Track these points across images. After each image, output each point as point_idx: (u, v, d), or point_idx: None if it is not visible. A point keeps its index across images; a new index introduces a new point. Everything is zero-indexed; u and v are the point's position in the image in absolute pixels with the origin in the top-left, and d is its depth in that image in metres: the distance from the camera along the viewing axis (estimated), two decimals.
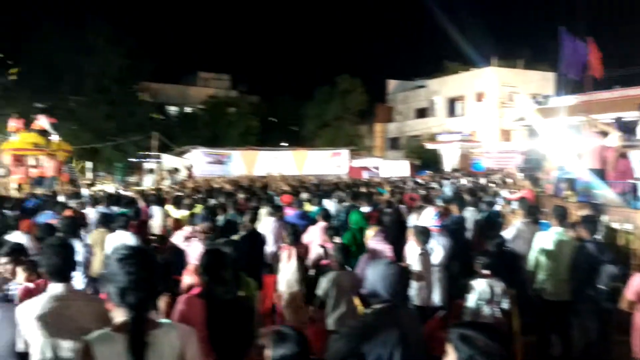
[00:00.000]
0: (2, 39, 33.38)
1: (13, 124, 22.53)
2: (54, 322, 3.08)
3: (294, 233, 6.46)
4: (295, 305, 5.86)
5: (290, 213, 9.15)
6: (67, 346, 3.08)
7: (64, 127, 27.84)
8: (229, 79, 48.23)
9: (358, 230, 7.57)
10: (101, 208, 9.35)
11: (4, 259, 4.10)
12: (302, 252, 6.70)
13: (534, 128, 28.22)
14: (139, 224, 8.11)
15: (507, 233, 7.11)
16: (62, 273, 3.20)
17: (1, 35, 33.33)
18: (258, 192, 13.28)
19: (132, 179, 29.94)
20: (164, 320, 2.49)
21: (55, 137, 22.62)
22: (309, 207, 9.95)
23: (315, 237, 7.65)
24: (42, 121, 22.52)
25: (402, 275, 3.34)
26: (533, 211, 7.53)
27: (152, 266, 2.43)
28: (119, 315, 2.34)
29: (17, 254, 4.14)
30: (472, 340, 2.17)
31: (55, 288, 3.17)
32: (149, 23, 71.12)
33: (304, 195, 11.01)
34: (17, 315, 3.15)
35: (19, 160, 21.92)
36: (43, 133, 21.94)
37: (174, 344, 2.40)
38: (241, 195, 11.72)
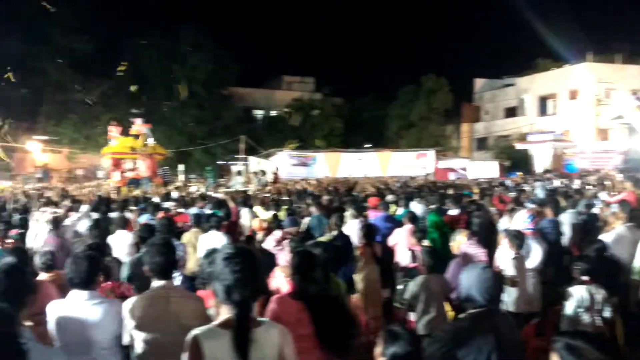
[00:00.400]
0: (102, 49, 35.70)
1: (112, 129, 24.03)
2: (156, 318, 3.24)
3: (369, 233, 6.46)
4: (373, 305, 5.87)
5: (374, 215, 9.12)
6: (167, 341, 3.23)
7: (158, 131, 29.28)
8: (313, 82, 48.77)
9: (438, 233, 7.44)
10: (194, 209, 9.76)
11: None
12: (379, 252, 6.69)
13: (634, 126, 26.56)
14: (229, 225, 8.36)
15: (607, 237, 6.71)
16: (164, 271, 3.36)
17: (101, 46, 35.67)
18: (342, 194, 13.34)
19: (221, 181, 30.97)
20: (263, 319, 2.56)
21: (150, 141, 23.84)
22: (395, 210, 9.87)
23: (401, 240, 7.58)
24: (139, 126, 23.81)
25: (498, 280, 3.25)
26: (636, 215, 7.06)
27: (256, 265, 2.50)
28: (224, 312, 2.43)
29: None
30: (580, 351, 2.06)
31: (158, 286, 3.33)
32: (235, 29, 73.35)
33: (390, 197, 10.93)
34: (123, 310, 3.35)
35: (117, 163, 23.35)
36: (139, 137, 23.19)
37: (275, 341, 2.47)
38: (326, 197, 11.81)
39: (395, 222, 8.52)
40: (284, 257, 5.63)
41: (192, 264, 6.97)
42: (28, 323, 3.11)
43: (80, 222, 8.03)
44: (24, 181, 24.02)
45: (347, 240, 6.75)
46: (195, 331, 2.39)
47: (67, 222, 7.96)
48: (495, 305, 3.20)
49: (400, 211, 9.54)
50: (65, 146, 35.87)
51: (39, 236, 7.37)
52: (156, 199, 12.00)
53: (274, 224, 7.99)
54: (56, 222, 7.61)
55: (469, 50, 71.75)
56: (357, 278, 5.95)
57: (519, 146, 35.17)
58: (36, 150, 34.10)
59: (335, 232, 6.84)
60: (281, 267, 5.07)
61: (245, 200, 11.32)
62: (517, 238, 5.85)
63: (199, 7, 65.40)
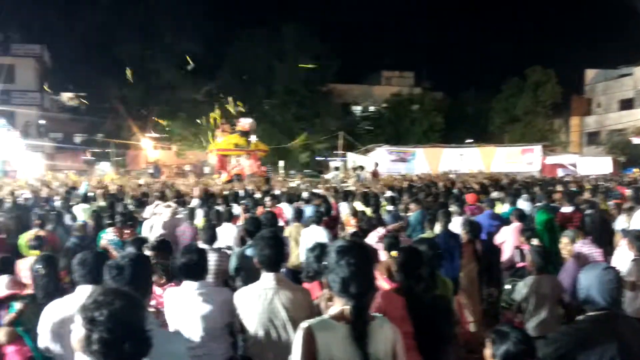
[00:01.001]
0: (208, 49, 37.41)
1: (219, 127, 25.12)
2: (265, 309, 3.33)
3: (472, 230, 6.27)
4: (473, 302, 5.73)
5: (476, 212, 8.86)
6: (275, 332, 3.33)
7: (259, 128, 30.21)
8: (412, 77, 48.19)
9: (547, 232, 7.07)
10: (295, 204, 9.96)
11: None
12: (480, 250, 6.49)
13: None
14: (330, 220, 8.46)
15: None
16: (273, 263, 3.45)
17: (207, 46, 37.39)
18: (443, 190, 13.06)
19: (320, 177, 31.45)
20: (376, 314, 2.56)
21: (253, 138, 24.64)
22: (501, 207, 9.53)
23: (509, 239, 7.30)
24: (243, 123, 24.67)
25: (619, 282, 3.04)
26: None
27: (369, 259, 2.51)
28: (338, 304, 2.44)
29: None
30: None
31: (267, 278, 3.43)
32: (335, 25, 73.95)
33: (495, 194, 10.55)
34: (235, 300, 3.48)
35: (222, 160, 24.38)
36: (243, 134, 24.02)
37: (389, 337, 2.46)
38: (425, 194, 11.62)
39: (501, 220, 8.23)
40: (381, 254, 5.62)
41: (293, 257, 7.13)
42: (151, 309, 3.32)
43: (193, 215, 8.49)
44: (137, 176, 25.64)
45: (455, 237, 6.60)
46: (308, 322, 2.41)
47: (179, 215, 8.41)
48: (617, 308, 2.99)
49: (506, 208, 9.20)
50: (175, 143, 37.99)
51: (154, 228, 7.84)
52: (258, 195, 12.35)
53: (364, 220, 8.03)
54: (192, 213, 8.13)
55: (579, 39, 67.47)
56: (461, 276, 5.81)
57: (635, 140, 32.72)
58: (148, 147, 36.37)
59: (438, 229, 6.71)
60: (383, 263, 5.06)
61: (346, 195, 11.39)
62: (639, 239, 5.43)
63: (301, 4, 66.52)
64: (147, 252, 4.48)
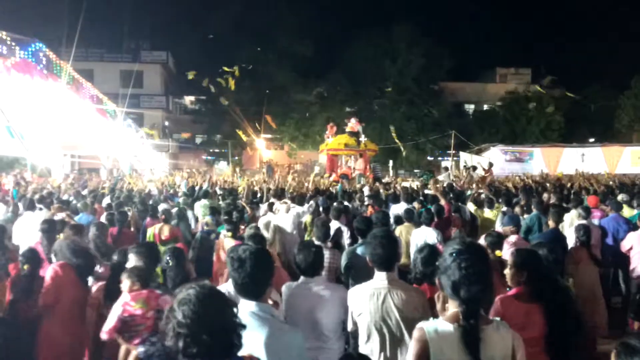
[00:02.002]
0: (319, 51, 38.13)
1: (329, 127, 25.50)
2: (378, 308, 3.36)
3: (585, 234, 6.02)
4: (593, 313, 5.39)
5: (598, 215, 8.32)
6: (388, 331, 3.34)
7: (369, 128, 30.25)
8: (529, 73, 45.95)
9: None
10: (401, 204, 9.90)
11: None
12: (597, 255, 6.11)
13: None
14: (441, 221, 8.31)
15: None
16: (387, 263, 3.46)
17: (317, 48, 38.12)
18: (564, 191, 12.37)
19: (432, 177, 30.93)
20: (494, 318, 2.50)
21: (362, 138, 24.72)
22: (629, 211, 8.86)
23: (636, 245, 6.79)
24: (353, 124, 24.84)
25: None
26: None
27: (486, 262, 2.44)
28: (452, 306, 2.42)
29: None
30: None
31: (380, 277, 3.45)
32: (447, 22, 72.27)
33: (622, 197, 9.82)
34: (348, 298, 3.54)
35: (333, 160, 24.71)
36: (353, 134, 24.17)
37: (507, 342, 2.39)
38: (545, 195, 11.06)
39: (629, 224, 7.66)
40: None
41: (403, 258, 7.10)
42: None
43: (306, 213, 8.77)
44: (252, 175, 26.64)
45: (560, 239, 6.28)
46: (423, 323, 2.41)
47: (292, 212, 8.67)
48: None
49: (634, 212, 8.57)
50: (287, 143, 39.11)
51: (272, 224, 8.19)
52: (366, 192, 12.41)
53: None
54: (318, 211, 8.46)
55: None
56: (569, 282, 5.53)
57: None
58: (262, 148, 37.70)
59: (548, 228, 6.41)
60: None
61: (458, 196, 11.14)
62: None
63: (412, 3, 65.70)
64: None
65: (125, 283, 3.95)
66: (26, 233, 7.42)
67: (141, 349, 3.78)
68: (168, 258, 4.29)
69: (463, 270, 2.33)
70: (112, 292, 4.21)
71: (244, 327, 2.08)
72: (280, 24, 36.55)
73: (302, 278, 3.79)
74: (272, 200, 10.33)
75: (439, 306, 2.56)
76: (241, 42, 36.85)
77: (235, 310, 2.09)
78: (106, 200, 10.81)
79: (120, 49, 39.70)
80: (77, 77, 16.58)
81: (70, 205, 9.55)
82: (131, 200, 10.36)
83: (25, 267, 4.67)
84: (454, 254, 2.38)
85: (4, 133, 17.73)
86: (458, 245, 2.44)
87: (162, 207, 9.30)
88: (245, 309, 2.59)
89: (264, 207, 9.95)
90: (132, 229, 8.32)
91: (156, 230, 7.75)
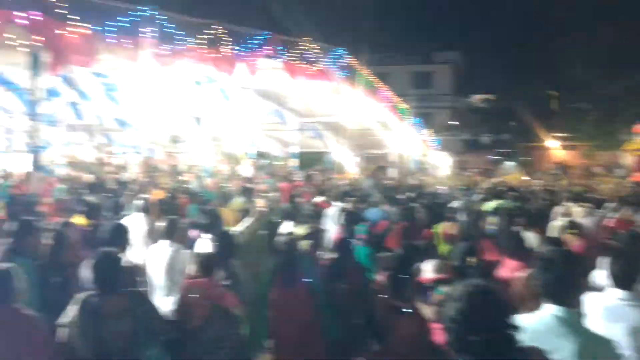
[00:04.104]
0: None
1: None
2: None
3: None
4: None
5: None
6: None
7: None
8: None
9: None
10: None
11: None
12: None
13: None
14: None
15: None
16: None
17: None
18: None
19: None
20: None
21: None
22: None
23: None
24: None
25: None
26: None
27: None
28: None
29: None
30: None
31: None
32: None
33: None
34: None
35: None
36: None
37: None
38: None
39: None
40: None
41: None
42: None
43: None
44: (542, 176, 25.07)
45: None
46: None
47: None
48: None
49: None
50: (582, 142, 35.73)
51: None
52: None
53: None
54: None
55: None
56: None
57: None
58: (555, 147, 35.20)
59: None
60: None
61: None
62: None
63: None
64: None
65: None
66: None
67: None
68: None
69: None
70: (398, 282, 4.36)
71: (516, 328, 2.00)
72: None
73: (610, 290, 3.39)
74: (566, 203, 9.56)
75: None
76: (539, 40, 34.87)
77: (508, 308, 2.05)
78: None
79: (411, 51, 41.34)
80: (374, 81, 17.78)
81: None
82: (420, 197, 10.68)
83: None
84: None
85: (312, 133, 20.08)
86: None
87: (454, 204, 9.36)
88: (550, 312, 2.45)
89: (558, 209, 9.26)
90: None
91: (443, 228, 7.83)
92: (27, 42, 7.84)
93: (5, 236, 4.82)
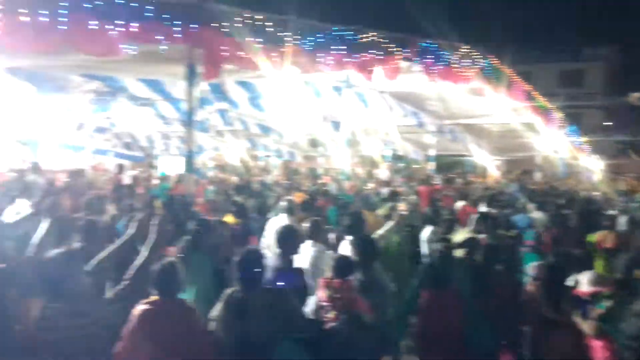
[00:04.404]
0: None
1: None
2: None
3: None
4: None
5: None
6: None
7: None
8: None
9: None
10: None
11: None
12: None
13: None
14: None
15: None
16: None
17: None
18: None
19: None
20: None
21: None
22: None
23: None
24: None
25: None
26: None
27: None
28: None
29: None
30: None
31: None
32: None
33: None
34: None
35: None
36: None
37: None
38: None
39: None
40: None
41: None
42: None
43: None
44: None
45: None
46: None
47: None
48: None
49: None
50: None
51: None
52: None
53: None
54: None
55: None
56: None
57: None
58: None
59: None
60: None
61: None
62: None
63: None
64: None
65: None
66: None
67: None
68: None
69: None
70: (553, 292, 4.04)
71: None
72: None
73: None
74: None
75: None
76: None
77: None
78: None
79: (558, 48, 38.81)
80: (517, 80, 16.85)
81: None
82: (572, 203, 9.96)
83: None
84: None
85: (450, 135, 19.58)
86: None
87: (611, 212, 8.62)
88: None
89: None
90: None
91: (599, 238, 7.22)
92: (185, 55, 8.50)
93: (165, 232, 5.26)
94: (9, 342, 3.36)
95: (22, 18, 6.59)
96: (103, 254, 3.74)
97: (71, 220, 4.63)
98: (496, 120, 17.60)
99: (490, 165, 21.27)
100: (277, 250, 4.91)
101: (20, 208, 6.98)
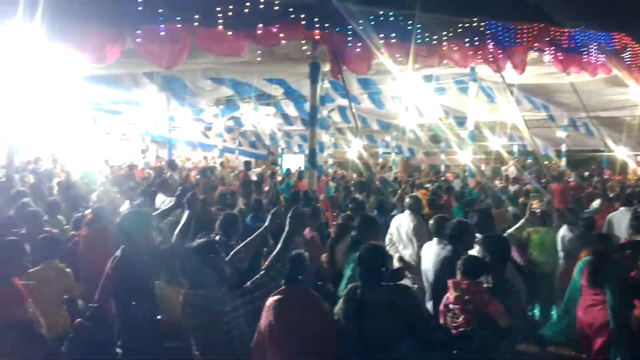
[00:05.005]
0: None
1: None
2: None
3: None
4: None
5: None
6: None
7: None
8: None
9: None
10: None
11: None
12: None
13: None
14: None
15: None
16: None
17: None
18: None
19: None
20: None
21: None
22: None
23: None
24: None
25: None
26: None
27: None
28: None
29: None
30: None
31: None
32: None
33: None
34: None
35: None
36: None
37: None
38: None
39: None
40: None
41: None
42: None
43: None
44: None
45: None
46: None
47: None
48: None
49: None
50: None
51: None
52: None
53: None
54: None
55: None
56: None
57: None
58: None
59: None
60: None
61: None
62: None
63: None
64: None
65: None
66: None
67: None
68: None
69: None
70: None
71: None
72: None
73: None
74: None
75: None
76: None
77: None
78: None
79: None
80: None
81: None
82: None
83: None
84: None
85: (583, 129, 18.28)
86: None
87: None
88: None
89: None
90: None
91: None
92: (311, 54, 8.66)
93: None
94: (155, 328, 3.61)
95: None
96: (240, 246, 3.90)
97: (209, 213, 4.88)
98: (637, 112, 16.18)
99: (630, 160, 19.58)
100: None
101: (162, 201, 7.53)
